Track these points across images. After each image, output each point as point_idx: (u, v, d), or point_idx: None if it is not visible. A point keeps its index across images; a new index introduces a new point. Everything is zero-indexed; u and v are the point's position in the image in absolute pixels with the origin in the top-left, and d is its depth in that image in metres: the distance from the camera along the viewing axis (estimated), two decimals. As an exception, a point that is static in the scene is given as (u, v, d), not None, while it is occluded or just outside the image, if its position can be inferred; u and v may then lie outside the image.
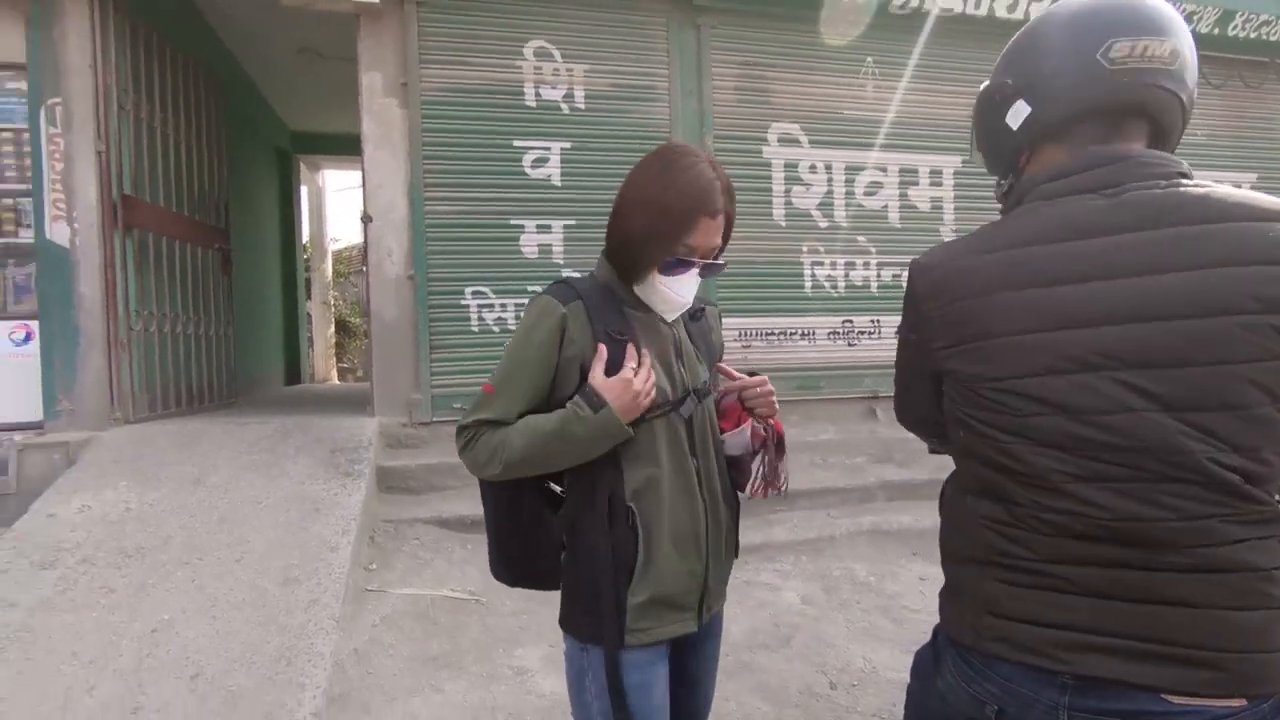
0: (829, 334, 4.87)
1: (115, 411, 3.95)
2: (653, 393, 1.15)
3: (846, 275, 4.87)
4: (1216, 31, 5.16)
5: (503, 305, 4.34)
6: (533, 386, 1.17)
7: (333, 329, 10.52)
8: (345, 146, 7.15)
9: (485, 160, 4.29)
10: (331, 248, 10.86)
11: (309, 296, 9.43)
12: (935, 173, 4.98)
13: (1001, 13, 4.71)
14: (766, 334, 4.75)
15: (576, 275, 1.28)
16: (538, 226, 4.37)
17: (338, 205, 11.67)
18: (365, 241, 4.37)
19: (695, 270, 1.20)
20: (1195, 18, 5.05)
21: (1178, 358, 0.77)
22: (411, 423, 4.21)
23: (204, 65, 5.15)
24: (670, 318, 1.25)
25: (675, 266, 1.18)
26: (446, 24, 4.22)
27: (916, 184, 4.97)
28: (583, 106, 4.42)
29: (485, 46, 4.27)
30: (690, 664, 1.30)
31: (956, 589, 0.96)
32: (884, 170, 4.90)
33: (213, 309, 5.19)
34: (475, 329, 4.30)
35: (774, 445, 1.32)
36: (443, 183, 4.25)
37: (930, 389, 0.98)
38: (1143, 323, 0.78)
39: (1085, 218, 0.84)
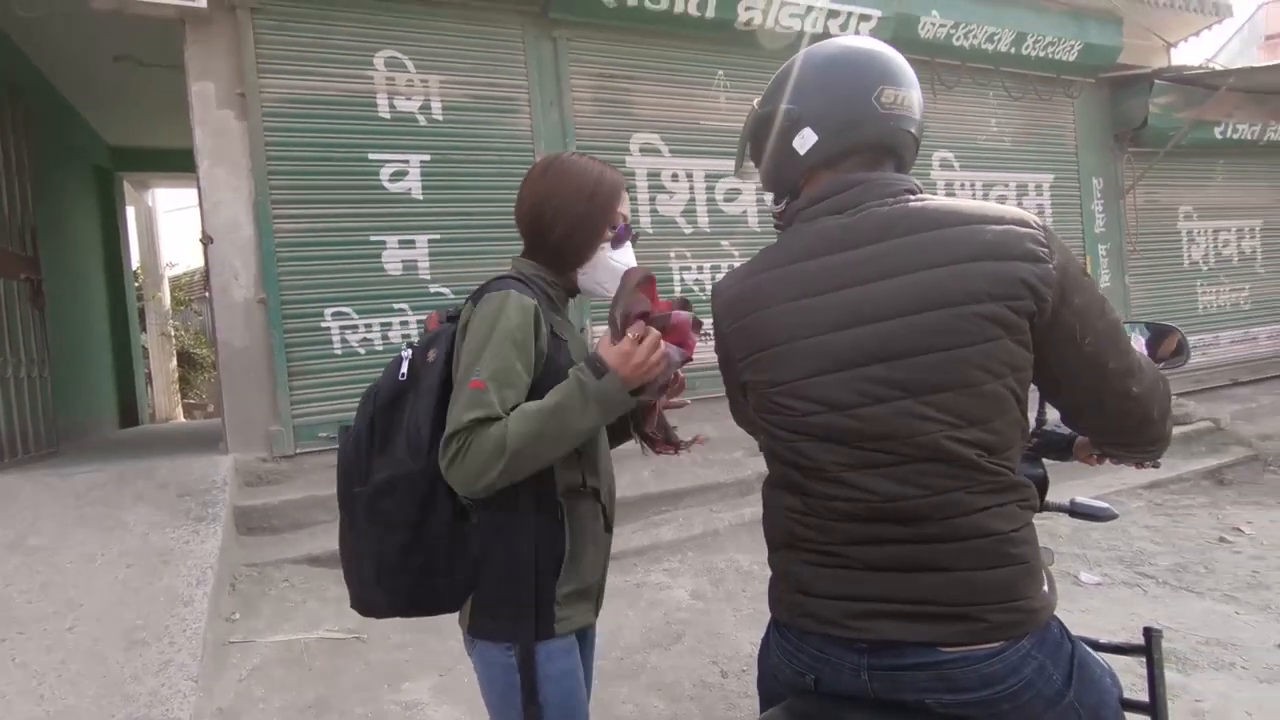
0: (701, 335, 5.02)
1: (-100, 474, 3.39)
2: (662, 363, 1.09)
3: (713, 278, 5.07)
4: (1013, 50, 5.86)
5: (367, 325, 4.14)
6: (526, 374, 1.10)
7: (175, 362, 9.57)
8: (177, 162, 6.54)
9: (338, 174, 4.08)
10: (168, 273, 9.88)
11: (144, 328, 8.53)
12: (787, 179, 5.29)
13: (835, 30, 5.09)
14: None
15: (509, 277, 1.21)
16: (400, 242, 4.21)
17: (173, 226, 10.63)
18: (207, 265, 4.02)
19: (630, 239, 1.27)
20: (995, 38, 5.71)
21: (914, 348, 0.88)
22: (272, 457, 3.91)
23: (-5, 73, 4.54)
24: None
25: (621, 236, 1.26)
26: (286, 32, 3.98)
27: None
28: (441, 118, 4.31)
29: (331, 56, 4.07)
30: (584, 655, 1.30)
31: (774, 572, 1.06)
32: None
33: (22, 347, 4.57)
34: (338, 351, 4.07)
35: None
36: (292, 199, 3.99)
37: (742, 399, 1.09)
38: (884, 321, 0.89)
39: (834, 235, 0.95)
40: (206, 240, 3.90)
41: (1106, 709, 0.95)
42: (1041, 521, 1.49)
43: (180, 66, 3.90)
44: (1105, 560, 3.61)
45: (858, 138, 0.99)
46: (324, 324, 4.05)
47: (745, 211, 5.19)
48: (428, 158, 4.27)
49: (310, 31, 4.02)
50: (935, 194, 5.66)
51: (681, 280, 4.97)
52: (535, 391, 1.10)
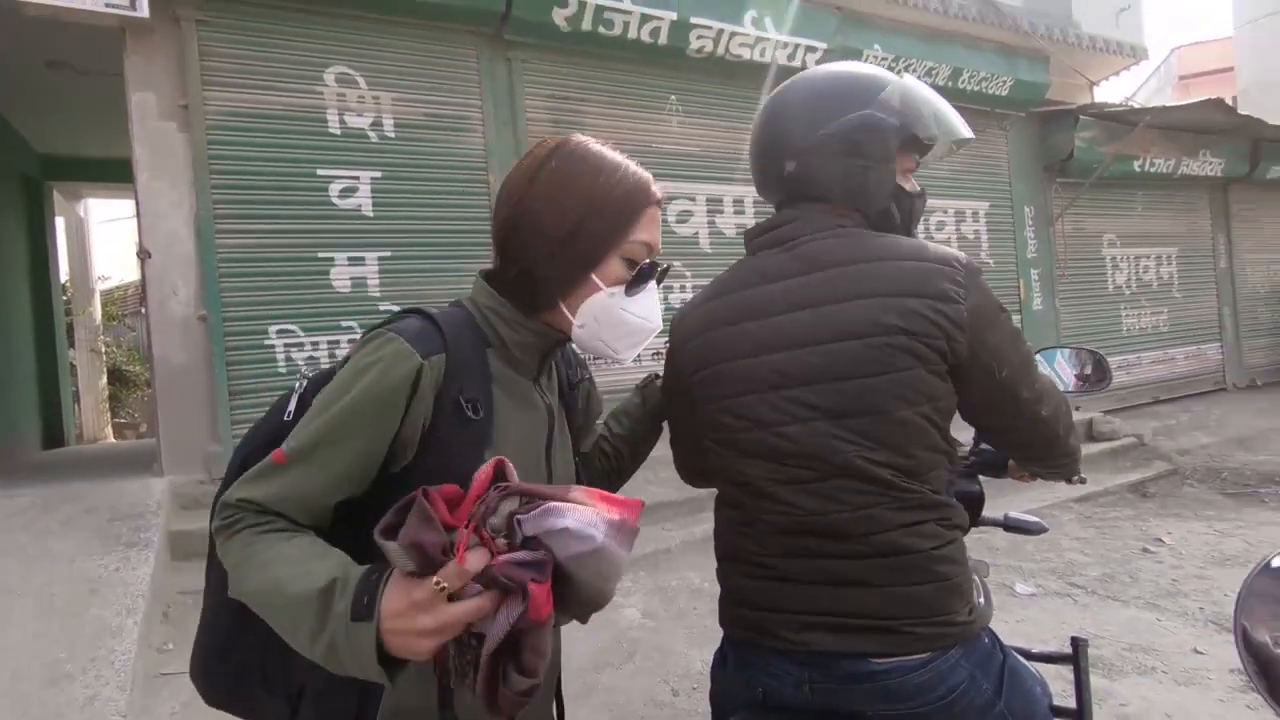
0: (653, 355, 5.08)
1: None
2: (446, 632, 0.66)
3: (665, 299, 5.13)
4: (950, 84, 6.15)
5: (314, 344, 4.05)
6: (353, 459, 0.78)
7: (105, 380, 9.14)
8: (112, 172, 6.32)
9: (286, 190, 4.00)
10: (100, 287, 9.45)
11: (72, 344, 8.13)
12: (738, 201, 5.42)
13: (782, 60, 5.27)
14: (595, 359, 4.86)
15: (436, 309, 0.88)
16: (349, 259, 4.15)
17: (106, 238, 10.18)
18: (143, 279, 3.88)
19: (654, 281, 0.92)
20: (934, 72, 5.98)
21: (832, 374, 0.94)
22: (211, 479, 3.77)
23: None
24: (629, 357, 0.92)
25: (642, 277, 0.89)
26: (232, 44, 3.91)
27: (722, 212, 5.37)
28: (393, 135, 4.29)
29: (279, 70, 4.00)
30: None
31: (721, 587, 1.09)
32: (693, 200, 5.25)
33: (-63, 365, 4.32)
34: (283, 369, 3.97)
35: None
36: (236, 214, 3.90)
37: (691, 428, 1.10)
38: (806, 347, 0.95)
39: (771, 266, 1.02)
40: (144, 255, 3.77)
41: (1036, 717, 1.01)
42: (981, 535, 1.56)
43: (119, 75, 3.78)
44: (1039, 572, 3.76)
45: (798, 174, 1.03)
46: (268, 341, 3.95)
47: (697, 233, 5.28)
48: (379, 174, 4.23)
49: (258, 45, 3.96)
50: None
51: (634, 300, 5.02)
52: (413, 474, 0.79)
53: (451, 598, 0.65)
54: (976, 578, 1.31)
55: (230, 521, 0.77)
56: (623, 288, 0.88)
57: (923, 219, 6.00)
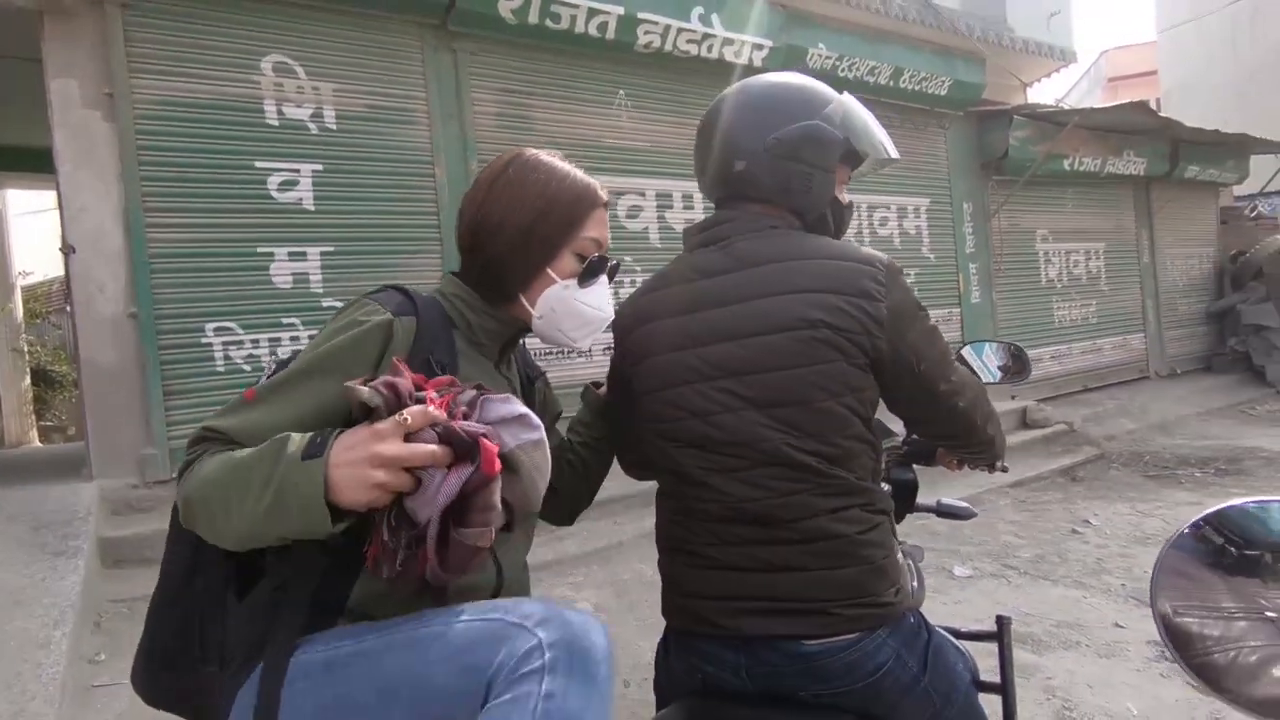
0: (604, 349, 5.10)
1: None
2: (399, 479, 0.69)
3: (617, 294, 5.14)
4: (892, 83, 6.31)
5: (254, 341, 3.93)
6: (319, 400, 0.81)
7: (29, 380, 8.67)
8: (31, 162, 5.99)
9: (221, 182, 3.87)
10: (21, 282, 8.95)
11: (-10, 343, 7.69)
12: (687, 197, 5.46)
13: (730, 57, 5.32)
14: (545, 353, 4.84)
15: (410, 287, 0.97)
16: (290, 254, 4.04)
17: (28, 231, 9.63)
18: (68, 275, 3.70)
19: (605, 275, 1.02)
20: (876, 71, 6.14)
21: (758, 366, 0.98)
22: (144, 483, 3.63)
23: None
24: (586, 344, 1.04)
25: (592, 270, 0.99)
26: (161, 30, 3.75)
27: (671, 207, 5.41)
28: (334, 127, 4.18)
29: (213, 58, 3.86)
30: None
31: (661, 576, 1.13)
32: (643, 195, 5.27)
33: None
34: (221, 368, 3.85)
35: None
36: (168, 207, 3.75)
37: (631, 418, 1.14)
38: (737, 340, 1.00)
39: (706, 263, 1.07)
40: (68, 250, 3.59)
41: (958, 692, 1.07)
42: (922, 522, 1.63)
43: (38, 60, 3.59)
44: (976, 555, 3.93)
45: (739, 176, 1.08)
46: (205, 339, 3.82)
47: (647, 229, 5.31)
48: (320, 167, 4.12)
49: (188, 31, 3.81)
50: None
51: (585, 295, 5.02)
52: None
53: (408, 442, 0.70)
54: (910, 561, 1.37)
55: (196, 454, 0.79)
56: (575, 280, 0.99)
57: (868, 215, 6.15)
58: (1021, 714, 2.40)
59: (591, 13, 4.69)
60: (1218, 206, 10.36)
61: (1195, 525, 0.62)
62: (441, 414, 0.72)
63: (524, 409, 0.77)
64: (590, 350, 4.56)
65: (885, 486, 1.40)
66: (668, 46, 5.10)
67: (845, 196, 1.14)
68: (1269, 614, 0.61)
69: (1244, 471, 5.38)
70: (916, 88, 6.50)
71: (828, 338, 0.96)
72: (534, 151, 1.02)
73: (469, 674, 0.72)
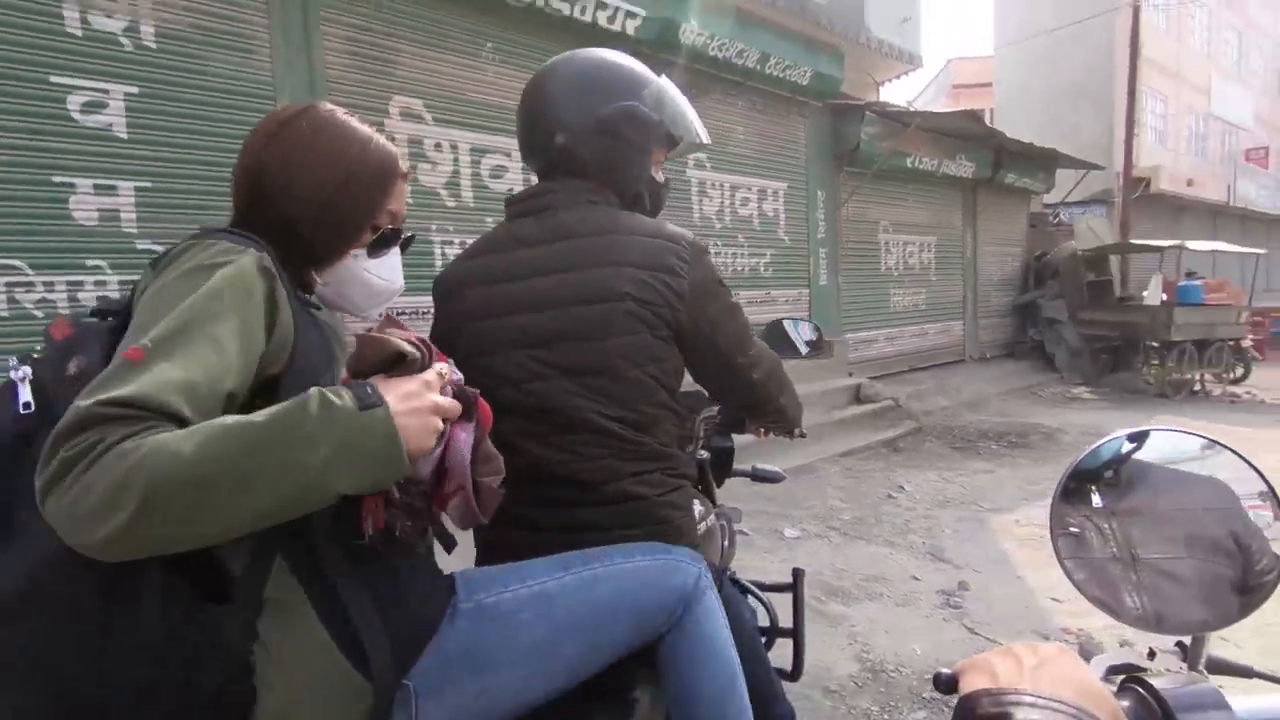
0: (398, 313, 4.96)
1: None
2: (442, 415, 0.73)
3: (445, 254, 5.00)
4: (759, 68, 6.53)
5: (47, 284, 3.45)
6: (233, 339, 0.69)
7: None
8: None
9: (4, 97, 3.32)
10: None
11: None
12: (554, 161, 5.38)
13: (603, 22, 5.27)
14: (399, 313, 4.63)
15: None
16: (96, 187, 3.55)
17: None
18: None
19: (399, 246, 0.96)
20: (744, 54, 6.32)
21: (571, 334, 1.03)
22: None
23: None
24: (373, 314, 0.96)
25: (386, 240, 0.92)
26: (-77, -98, 3.12)
27: (538, 171, 5.31)
28: (154, 45, 3.70)
29: (-5, -54, 3.27)
30: None
31: (478, 546, 1.14)
32: (509, 155, 5.13)
33: None
34: (5, 313, 3.35)
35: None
36: (-67, 119, 3.17)
37: None
38: (549, 310, 1.04)
39: (523, 233, 1.09)
40: None
41: (743, 636, 1.17)
42: (758, 489, 1.75)
43: None
44: (805, 518, 4.28)
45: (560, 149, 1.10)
46: (-18, 278, 3.30)
47: (512, 189, 5.17)
48: (135, 90, 3.64)
49: (-38, -91, 3.20)
50: (690, 192, 6.04)
51: (443, 254, 4.84)
52: (287, 378, 0.75)
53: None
54: (724, 523, 1.48)
55: (88, 445, 0.58)
56: (365, 251, 0.91)
57: (730, 193, 6.32)
58: (826, 658, 2.68)
59: (458, -44, 4.45)
60: (1028, 212, 11.74)
61: (1072, 469, 0.75)
62: (459, 373, 0.79)
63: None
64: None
65: (704, 454, 1.51)
66: (540, 2, 4.95)
67: (661, 176, 1.19)
68: (1073, 530, 0.74)
69: (1029, 445, 6.22)
70: (781, 74, 6.77)
71: (633, 310, 1.01)
72: (329, 106, 0.91)
73: (668, 594, 0.95)
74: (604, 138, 1.08)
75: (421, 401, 0.70)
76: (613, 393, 1.01)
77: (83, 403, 0.60)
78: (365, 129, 0.90)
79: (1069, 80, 15.47)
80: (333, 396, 0.66)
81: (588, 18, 5.19)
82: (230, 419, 0.63)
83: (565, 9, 5.07)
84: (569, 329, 1.02)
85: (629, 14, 5.36)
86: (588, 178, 1.10)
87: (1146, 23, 12.99)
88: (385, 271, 0.94)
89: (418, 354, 0.75)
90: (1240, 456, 0.66)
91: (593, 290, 1.01)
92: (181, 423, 0.62)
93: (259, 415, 0.64)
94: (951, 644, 2.72)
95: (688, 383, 1.20)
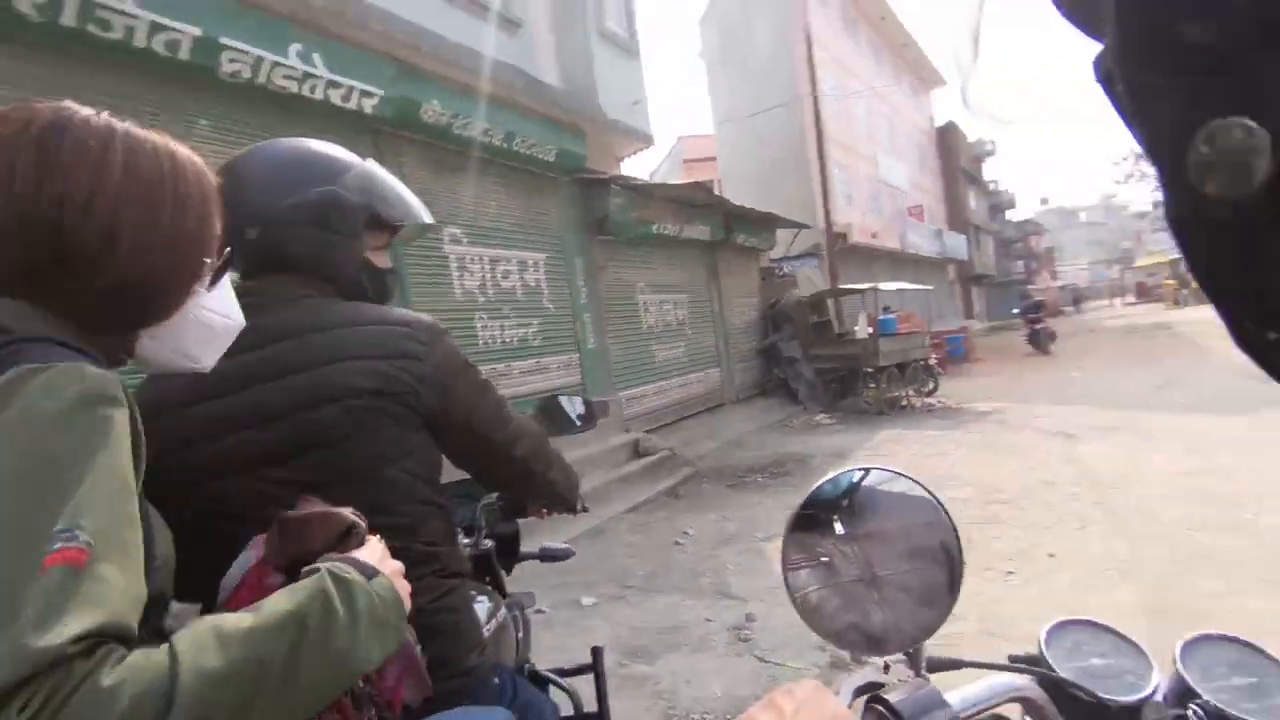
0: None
1: None
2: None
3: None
4: (506, 145, 6.74)
5: None
6: (138, 539, 0.57)
7: None
8: None
9: None
10: None
11: None
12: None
13: (337, 100, 5.07)
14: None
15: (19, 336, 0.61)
16: None
17: None
18: None
19: (228, 272, 0.80)
20: (490, 134, 6.48)
21: (309, 444, 0.92)
22: None
23: None
24: (210, 363, 0.80)
25: (220, 268, 0.77)
26: None
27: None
28: None
29: None
30: None
31: None
32: (238, 239, 4.65)
33: None
34: None
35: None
36: None
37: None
38: (280, 419, 0.91)
39: (244, 336, 0.91)
40: None
41: None
42: (550, 564, 1.71)
43: None
44: (600, 581, 4.29)
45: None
46: None
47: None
48: None
49: None
50: (449, 266, 5.93)
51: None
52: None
53: None
54: (517, 613, 1.42)
55: (73, 682, 0.46)
56: (204, 285, 0.75)
57: (490, 267, 6.33)
58: (634, 723, 2.64)
59: (156, 27, 4.01)
60: (759, 266, 13.37)
61: (804, 502, 0.78)
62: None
63: None
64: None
65: (489, 542, 1.44)
66: (261, 79, 4.63)
67: (385, 261, 1.13)
68: (823, 559, 0.79)
69: (788, 473, 6.92)
70: (528, 152, 7.04)
71: (374, 404, 0.93)
72: (72, 106, 0.70)
73: None
74: (303, 228, 1.00)
75: (392, 566, 0.72)
76: (372, 500, 0.90)
77: (54, 637, 0.46)
78: (174, 145, 0.73)
79: (775, 154, 18.13)
80: (340, 574, 0.65)
81: (320, 96, 4.97)
82: (263, 616, 0.58)
83: (292, 86, 4.80)
84: (305, 439, 0.91)
85: (365, 93, 5.23)
86: (295, 271, 1.01)
87: (825, 107, 15.79)
88: (222, 305, 0.78)
89: (363, 522, 0.77)
90: (916, 481, 0.79)
91: (324, 390, 0.91)
92: (129, 641, 0.51)
93: (265, 610, 0.58)
94: (747, 677, 2.87)
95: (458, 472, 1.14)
